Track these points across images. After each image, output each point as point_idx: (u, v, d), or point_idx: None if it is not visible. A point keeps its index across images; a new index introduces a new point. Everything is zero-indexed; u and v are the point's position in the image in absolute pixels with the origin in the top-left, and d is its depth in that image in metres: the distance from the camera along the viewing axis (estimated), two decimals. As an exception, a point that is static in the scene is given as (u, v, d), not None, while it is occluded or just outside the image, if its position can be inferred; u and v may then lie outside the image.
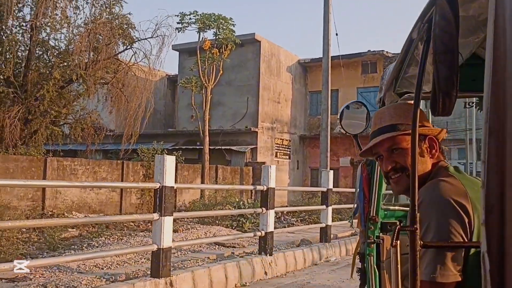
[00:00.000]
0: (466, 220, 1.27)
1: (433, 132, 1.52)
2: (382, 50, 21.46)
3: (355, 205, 2.03)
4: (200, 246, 7.45)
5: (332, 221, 9.16)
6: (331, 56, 16.97)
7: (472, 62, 1.73)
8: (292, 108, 22.61)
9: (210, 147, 16.60)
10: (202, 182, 15.64)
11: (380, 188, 1.91)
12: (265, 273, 6.63)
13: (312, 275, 6.96)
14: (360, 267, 2.02)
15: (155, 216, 5.04)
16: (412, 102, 1.63)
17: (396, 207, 2.10)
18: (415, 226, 1.12)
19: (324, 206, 8.76)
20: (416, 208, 1.13)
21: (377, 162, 1.94)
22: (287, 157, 22.10)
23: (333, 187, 9.33)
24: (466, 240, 1.26)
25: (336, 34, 17.33)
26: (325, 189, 8.85)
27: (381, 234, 1.95)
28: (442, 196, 1.31)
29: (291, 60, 22.71)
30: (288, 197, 19.40)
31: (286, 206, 16.99)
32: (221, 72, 15.99)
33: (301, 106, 23.38)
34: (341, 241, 9.24)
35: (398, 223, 2.14)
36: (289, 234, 9.39)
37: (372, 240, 1.90)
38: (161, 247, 5.01)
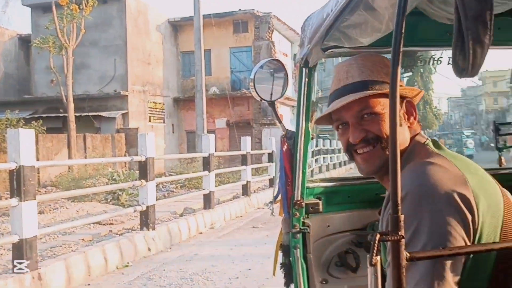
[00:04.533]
0: (469, 218, 0.95)
1: (412, 92, 1.17)
2: (253, 9, 21.39)
3: (276, 188, 1.68)
4: (72, 227, 6.65)
5: (215, 186, 8.92)
6: (202, 15, 16.35)
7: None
8: (164, 69, 21.62)
9: (76, 114, 15.10)
10: (69, 153, 14.25)
11: (304, 165, 1.58)
12: (149, 249, 6.15)
13: (199, 245, 6.67)
14: (283, 261, 1.70)
15: (13, 202, 4.22)
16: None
17: (316, 183, 1.80)
18: (399, 234, 0.80)
19: (206, 172, 8.45)
20: (399, 205, 0.80)
21: (300, 134, 1.60)
22: (162, 121, 21.27)
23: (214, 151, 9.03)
24: (469, 244, 0.95)
25: (207, -9, 16.66)
26: (206, 154, 8.52)
27: (305, 220, 1.64)
28: (436, 186, 0.96)
29: (160, 19, 21.51)
30: (165, 163, 18.76)
31: (164, 173, 16.41)
32: (83, 31, 14.40)
33: (173, 68, 22.48)
34: (224, 206, 9.09)
35: (320, 204, 1.87)
36: (170, 203, 8.94)
37: (298, 229, 1.58)
38: (24, 237, 4.24)
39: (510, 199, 1.04)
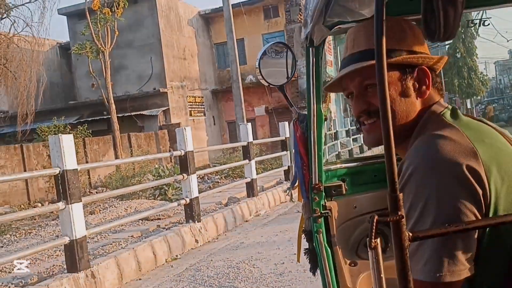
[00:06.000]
0: (480, 192, 0.88)
1: (426, 60, 1.08)
2: (282, -7, 21.12)
3: (293, 173, 1.64)
4: (121, 225, 6.89)
5: (257, 173, 8.95)
6: (232, 4, 16.31)
7: None
8: (199, 63, 21.81)
9: (119, 115, 15.57)
10: (116, 154, 14.72)
11: (319, 148, 1.53)
12: (196, 241, 6.27)
13: (244, 233, 6.73)
14: (307, 247, 1.67)
15: (61, 205, 4.40)
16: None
17: (338, 165, 1.76)
18: (399, 214, 0.75)
19: (247, 161, 8.49)
20: (397, 184, 0.76)
21: (312, 117, 1.56)
22: (202, 114, 21.53)
23: (252, 139, 9.05)
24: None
25: (234, -20, 16.59)
26: (245, 143, 8.55)
27: (327, 203, 1.60)
28: (442, 160, 0.91)
29: (191, 12, 21.66)
30: (209, 155, 19.02)
31: (208, 165, 16.65)
32: (117, 33, 14.75)
33: (208, 60, 22.63)
34: (268, 192, 9.12)
35: (343, 186, 1.82)
36: (215, 193, 9.07)
37: (319, 214, 1.54)
38: (74, 238, 4.42)
39: None
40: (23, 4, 13.19)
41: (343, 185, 1.68)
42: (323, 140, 1.55)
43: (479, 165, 0.90)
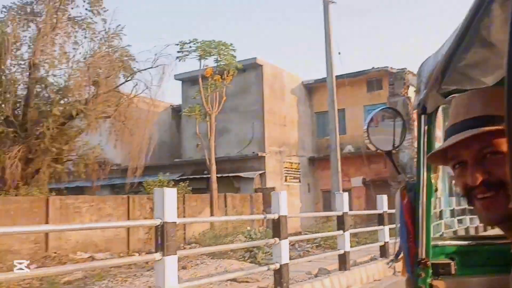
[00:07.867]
0: None
1: None
2: (386, 67, 21.12)
3: (397, 245, 1.55)
4: (210, 283, 6.92)
5: (350, 246, 8.58)
6: (335, 76, 16.63)
7: None
8: (299, 130, 22.20)
9: (218, 175, 16.16)
10: (211, 212, 15.15)
11: (428, 220, 1.44)
12: (283, 309, 6.07)
13: (333, 308, 6.39)
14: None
15: (157, 256, 4.56)
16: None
17: (447, 241, 1.63)
18: None
19: (341, 231, 8.21)
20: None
21: (421, 186, 1.48)
22: (297, 180, 21.55)
23: (348, 209, 8.78)
24: None
25: (339, 53, 17.05)
26: (340, 213, 8.32)
27: (433, 281, 1.47)
28: None
29: (294, 82, 22.43)
30: (301, 222, 18.77)
31: (300, 232, 16.38)
32: (224, 98, 15.69)
33: (307, 128, 22.96)
34: (361, 267, 8.65)
35: (453, 265, 1.68)
36: (305, 263, 8.82)
37: (424, 292, 1.42)
38: (166, 290, 4.52)
39: None
40: (145, 69, 14.65)
41: (452, 264, 1.54)
42: (432, 211, 1.46)
43: None
